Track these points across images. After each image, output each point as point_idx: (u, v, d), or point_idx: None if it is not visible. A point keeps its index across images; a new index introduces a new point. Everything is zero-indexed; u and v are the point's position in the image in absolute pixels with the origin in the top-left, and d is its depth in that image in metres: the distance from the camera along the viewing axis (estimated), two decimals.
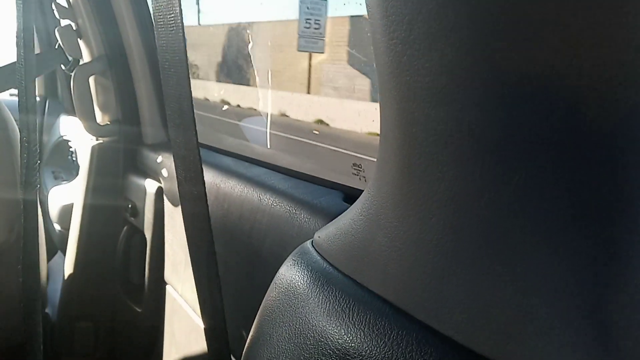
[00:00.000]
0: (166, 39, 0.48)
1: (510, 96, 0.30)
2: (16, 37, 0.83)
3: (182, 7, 0.46)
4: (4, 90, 1.53)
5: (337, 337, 0.40)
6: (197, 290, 0.58)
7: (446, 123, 0.33)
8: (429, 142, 0.35)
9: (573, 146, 0.30)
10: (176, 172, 0.57)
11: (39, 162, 0.85)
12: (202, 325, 1.02)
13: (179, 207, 1.16)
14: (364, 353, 0.38)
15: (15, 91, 2.07)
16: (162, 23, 0.46)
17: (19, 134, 1.28)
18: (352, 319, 0.40)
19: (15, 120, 1.27)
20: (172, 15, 0.44)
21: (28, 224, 0.88)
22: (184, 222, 0.58)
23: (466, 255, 0.35)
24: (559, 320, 0.31)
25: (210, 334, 0.58)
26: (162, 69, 0.53)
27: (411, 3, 0.33)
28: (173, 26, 0.46)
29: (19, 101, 0.84)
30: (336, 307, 0.41)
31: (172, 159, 1.21)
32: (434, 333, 0.36)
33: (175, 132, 0.53)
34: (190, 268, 1.10)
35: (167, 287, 1.25)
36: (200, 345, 1.05)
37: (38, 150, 0.84)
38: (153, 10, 0.48)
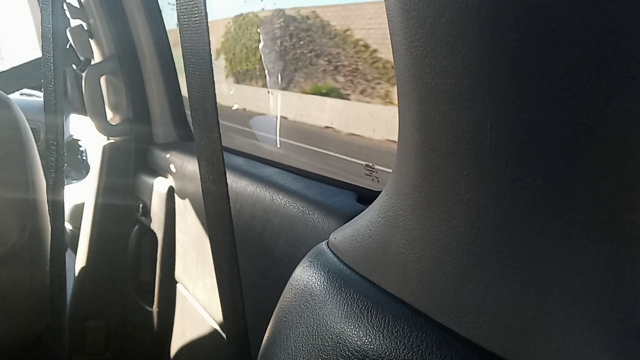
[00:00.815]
0: (191, 42, 0.48)
1: (532, 98, 0.30)
2: (42, 38, 0.83)
3: (207, 10, 0.46)
4: (18, 90, 1.54)
5: (356, 339, 0.40)
6: (218, 291, 0.59)
7: (467, 125, 0.33)
8: (449, 144, 0.35)
9: (594, 149, 0.30)
10: (200, 172, 0.57)
11: (65, 165, 0.86)
12: (215, 326, 1.03)
13: (190, 206, 1.17)
14: (383, 355, 0.38)
15: (26, 91, 2.09)
16: (187, 26, 0.47)
17: (31, 134, 1.29)
18: (371, 321, 0.40)
19: (27, 120, 1.28)
20: (197, 17, 0.45)
21: (56, 224, 0.89)
22: (207, 221, 0.58)
23: (485, 257, 0.34)
24: (578, 323, 0.31)
25: (232, 335, 0.59)
26: (187, 71, 0.53)
27: (433, 6, 0.33)
28: (198, 29, 0.46)
29: (44, 102, 0.84)
30: (354, 308, 0.41)
31: (183, 158, 1.22)
32: (454, 335, 0.36)
33: (199, 133, 0.54)
34: (202, 267, 1.11)
35: (178, 286, 1.25)
36: (211, 344, 1.05)
37: (64, 153, 0.85)
38: (178, 12, 0.48)
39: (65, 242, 1.77)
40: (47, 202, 0.89)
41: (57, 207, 0.88)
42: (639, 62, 0.28)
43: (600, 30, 0.28)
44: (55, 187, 0.84)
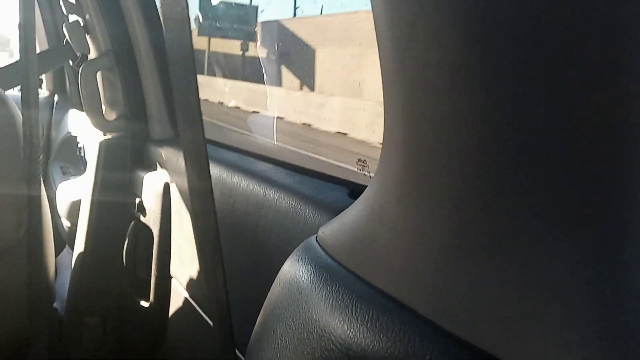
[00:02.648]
0: (173, 33, 0.48)
1: (513, 92, 0.30)
2: (18, 32, 0.83)
3: (188, 1, 0.46)
4: (11, 87, 1.54)
5: (340, 332, 0.40)
6: (204, 285, 0.59)
7: (449, 118, 0.33)
8: (433, 138, 0.35)
9: (578, 144, 0.29)
10: (185, 167, 0.57)
11: (41, 156, 0.86)
12: (207, 320, 1.03)
13: (186, 202, 1.17)
14: (366, 348, 0.38)
15: None
16: (169, 17, 0.47)
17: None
18: (355, 314, 0.40)
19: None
20: (179, 8, 0.45)
21: (32, 218, 0.89)
22: (191, 216, 0.59)
23: (470, 251, 0.34)
24: (563, 319, 0.31)
25: (216, 328, 0.59)
26: (170, 63, 0.53)
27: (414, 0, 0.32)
28: (180, 20, 0.46)
29: (21, 96, 0.85)
30: (339, 302, 0.42)
31: (179, 154, 1.22)
32: (437, 329, 0.36)
33: (183, 126, 0.54)
34: (196, 262, 1.11)
35: (174, 281, 1.25)
36: (205, 339, 1.06)
37: (40, 145, 0.85)
38: (160, 3, 0.48)
39: (61, 239, 1.78)
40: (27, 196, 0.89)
41: (34, 201, 0.88)
42: (630, 56, 0.28)
43: (585, 21, 0.27)
44: (31, 181, 0.84)
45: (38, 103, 0.85)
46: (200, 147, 0.54)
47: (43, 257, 0.95)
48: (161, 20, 1.39)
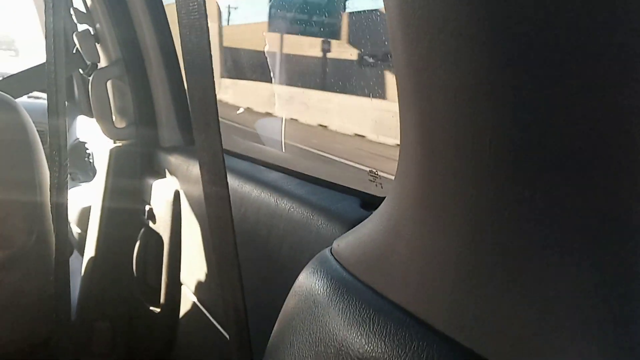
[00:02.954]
0: (191, 40, 0.48)
1: (531, 113, 0.31)
2: (46, 40, 0.84)
3: (206, 8, 0.47)
4: (27, 93, 1.56)
5: (358, 346, 0.40)
6: (219, 295, 0.59)
7: (467, 139, 0.34)
8: (449, 154, 0.35)
9: (595, 160, 0.30)
10: (201, 174, 0.58)
11: (67, 162, 0.87)
12: (219, 327, 1.03)
13: (196, 209, 1.18)
14: None
15: (34, 94, 2.10)
16: (186, 24, 0.47)
17: (37, 136, 1.30)
18: (373, 329, 0.40)
19: (34, 123, 1.29)
20: (197, 15, 0.45)
21: (59, 227, 0.90)
22: (208, 224, 0.59)
23: (486, 268, 0.35)
24: (581, 334, 0.32)
25: (234, 340, 0.59)
26: (188, 70, 0.54)
27: (433, 21, 0.33)
28: (198, 27, 0.46)
29: (48, 103, 0.85)
30: (357, 316, 0.42)
31: (189, 161, 1.23)
32: (455, 344, 0.36)
33: (199, 133, 0.54)
34: (206, 269, 1.11)
35: (183, 288, 1.26)
36: (217, 347, 1.06)
37: (67, 155, 0.86)
38: (177, 11, 0.49)
39: (71, 245, 1.79)
40: (50, 204, 0.90)
41: (60, 210, 0.89)
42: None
43: (591, 33, 0.28)
44: (59, 190, 0.85)
45: (65, 110, 0.86)
46: (217, 154, 0.54)
47: (67, 264, 0.97)
48: (169, 26, 1.40)
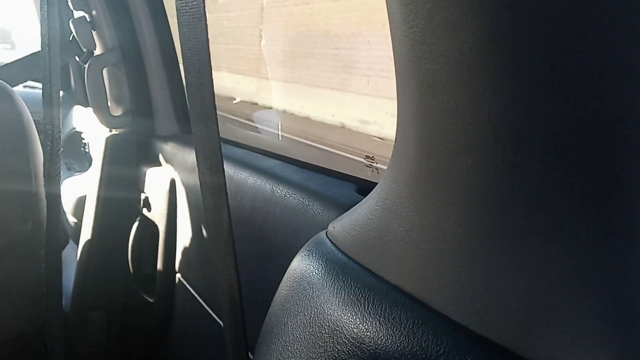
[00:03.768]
0: (188, 27, 0.48)
1: (530, 83, 0.30)
2: (40, 28, 0.83)
3: None
4: (23, 82, 1.55)
5: (353, 326, 0.40)
6: (214, 283, 0.59)
7: (465, 110, 0.33)
8: (447, 131, 0.35)
9: (590, 135, 0.29)
10: (197, 162, 0.57)
11: (61, 151, 0.86)
12: (214, 317, 1.03)
13: (191, 198, 1.17)
14: (379, 342, 0.38)
15: (30, 83, 2.09)
16: (184, 11, 0.47)
17: (33, 126, 1.29)
18: (368, 309, 0.40)
19: (30, 112, 1.28)
20: (195, 2, 0.44)
21: (51, 216, 0.89)
22: (204, 213, 0.58)
23: (483, 245, 0.34)
24: (578, 312, 0.31)
25: (228, 328, 0.59)
26: (185, 57, 0.53)
27: None
28: (196, 13, 0.46)
29: (43, 91, 0.85)
30: (352, 296, 0.42)
31: (185, 150, 1.23)
32: (451, 323, 0.36)
33: (196, 122, 0.53)
34: (202, 258, 1.11)
35: (178, 277, 1.25)
36: (212, 335, 1.06)
37: (61, 143, 0.85)
38: None
39: (65, 234, 1.78)
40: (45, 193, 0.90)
41: (52, 199, 0.89)
42: (636, 49, 0.28)
43: (597, 14, 0.27)
44: (50, 178, 0.84)
45: (59, 99, 0.85)
46: (214, 143, 0.53)
47: (59, 253, 0.96)
48: (167, 15, 1.39)
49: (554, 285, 0.32)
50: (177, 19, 0.49)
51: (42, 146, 0.93)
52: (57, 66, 0.84)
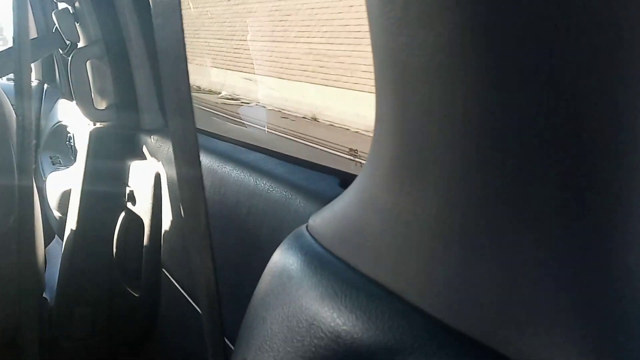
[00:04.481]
0: (163, 18, 0.47)
1: (505, 77, 0.30)
2: (13, 21, 0.83)
3: None
4: (5, 75, 1.53)
5: (330, 320, 0.40)
6: (194, 274, 0.58)
7: (441, 103, 0.33)
8: (423, 124, 0.35)
9: (566, 130, 0.29)
10: (174, 155, 0.56)
11: (35, 146, 0.86)
12: (197, 309, 1.03)
13: (176, 192, 1.16)
14: (355, 336, 0.38)
15: (12, 75, 2.06)
16: (158, 0, 0.46)
17: (15, 118, 1.27)
18: (345, 302, 0.40)
19: (12, 105, 1.26)
20: None
21: (24, 209, 0.88)
22: (181, 206, 0.58)
23: (458, 238, 0.34)
24: (551, 306, 0.31)
25: (206, 317, 0.58)
26: (160, 49, 0.52)
27: None
28: (170, 5, 0.45)
29: (15, 83, 0.84)
30: (329, 290, 0.41)
31: (170, 144, 1.22)
32: (426, 316, 0.36)
33: (172, 114, 0.53)
34: (186, 253, 1.10)
35: (164, 272, 1.25)
36: (196, 328, 1.06)
37: (33, 135, 0.84)
38: None
39: (50, 229, 1.77)
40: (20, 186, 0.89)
41: (25, 190, 0.88)
42: (619, 40, 0.28)
43: (573, 8, 0.27)
44: (22, 171, 0.84)
45: (31, 91, 0.85)
46: (191, 136, 0.53)
47: (33, 247, 0.95)
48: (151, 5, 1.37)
49: (527, 279, 0.32)
50: (152, 9, 0.48)
51: (16, 138, 0.92)
52: (28, 57, 0.84)
